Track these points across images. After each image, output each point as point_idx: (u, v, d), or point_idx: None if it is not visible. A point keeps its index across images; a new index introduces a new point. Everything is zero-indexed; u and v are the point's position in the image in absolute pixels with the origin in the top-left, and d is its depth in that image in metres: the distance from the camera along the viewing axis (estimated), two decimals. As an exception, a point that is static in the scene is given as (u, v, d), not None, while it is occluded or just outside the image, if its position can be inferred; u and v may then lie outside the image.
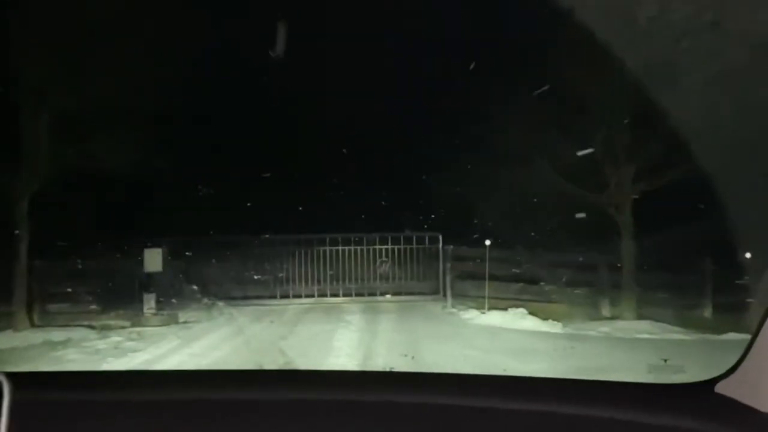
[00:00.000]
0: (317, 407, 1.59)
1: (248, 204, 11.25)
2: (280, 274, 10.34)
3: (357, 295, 10.33)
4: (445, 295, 10.24)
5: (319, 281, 10.34)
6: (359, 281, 10.41)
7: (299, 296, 10.24)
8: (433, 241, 10.53)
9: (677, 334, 7.93)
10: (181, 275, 10.20)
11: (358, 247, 10.42)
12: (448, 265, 10.20)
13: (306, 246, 10.43)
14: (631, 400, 1.61)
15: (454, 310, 9.84)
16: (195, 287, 10.01)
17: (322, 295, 10.29)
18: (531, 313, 8.88)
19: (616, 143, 8.96)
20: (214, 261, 10.33)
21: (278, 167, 11.48)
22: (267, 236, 10.46)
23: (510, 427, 1.52)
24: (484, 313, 9.07)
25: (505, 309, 9.03)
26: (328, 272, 10.30)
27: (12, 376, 1.26)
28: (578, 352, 6.92)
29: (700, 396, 1.59)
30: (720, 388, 1.56)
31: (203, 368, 6.09)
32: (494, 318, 8.80)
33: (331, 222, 10.78)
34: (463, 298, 10.17)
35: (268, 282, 10.33)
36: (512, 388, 1.76)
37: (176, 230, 10.30)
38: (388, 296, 10.39)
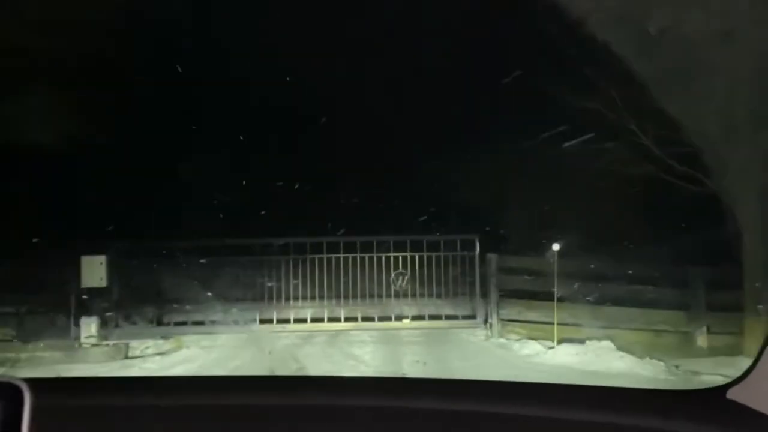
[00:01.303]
0: (330, 413, 1.62)
1: (226, 198, 8.68)
2: (264, 289, 7.69)
3: (365, 319, 7.63)
4: (486, 320, 7.55)
5: (314, 299, 7.65)
6: (368, 300, 7.70)
7: (286, 321, 7.57)
8: (468, 246, 7.75)
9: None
10: (134, 292, 7.91)
11: (367, 255, 7.65)
12: (493, 279, 7.49)
13: (298, 253, 7.75)
14: (642, 406, 1.61)
15: (503, 341, 7.17)
16: (151, 308, 7.76)
17: (319, 319, 7.59)
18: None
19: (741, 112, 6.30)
20: (178, 273, 7.87)
21: (267, 148, 8.89)
22: (246, 240, 7.85)
23: None
24: (552, 347, 6.35)
25: (582, 341, 6.33)
26: (326, 288, 7.59)
27: (32, 382, 1.27)
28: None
29: (711, 402, 1.60)
30: (731, 394, 1.57)
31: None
32: (568, 355, 6.12)
33: (334, 222, 8.16)
34: (510, 323, 7.53)
35: (248, 301, 7.70)
36: (525, 393, 1.75)
37: (130, 231, 7.92)
38: (407, 321, 7.66)
